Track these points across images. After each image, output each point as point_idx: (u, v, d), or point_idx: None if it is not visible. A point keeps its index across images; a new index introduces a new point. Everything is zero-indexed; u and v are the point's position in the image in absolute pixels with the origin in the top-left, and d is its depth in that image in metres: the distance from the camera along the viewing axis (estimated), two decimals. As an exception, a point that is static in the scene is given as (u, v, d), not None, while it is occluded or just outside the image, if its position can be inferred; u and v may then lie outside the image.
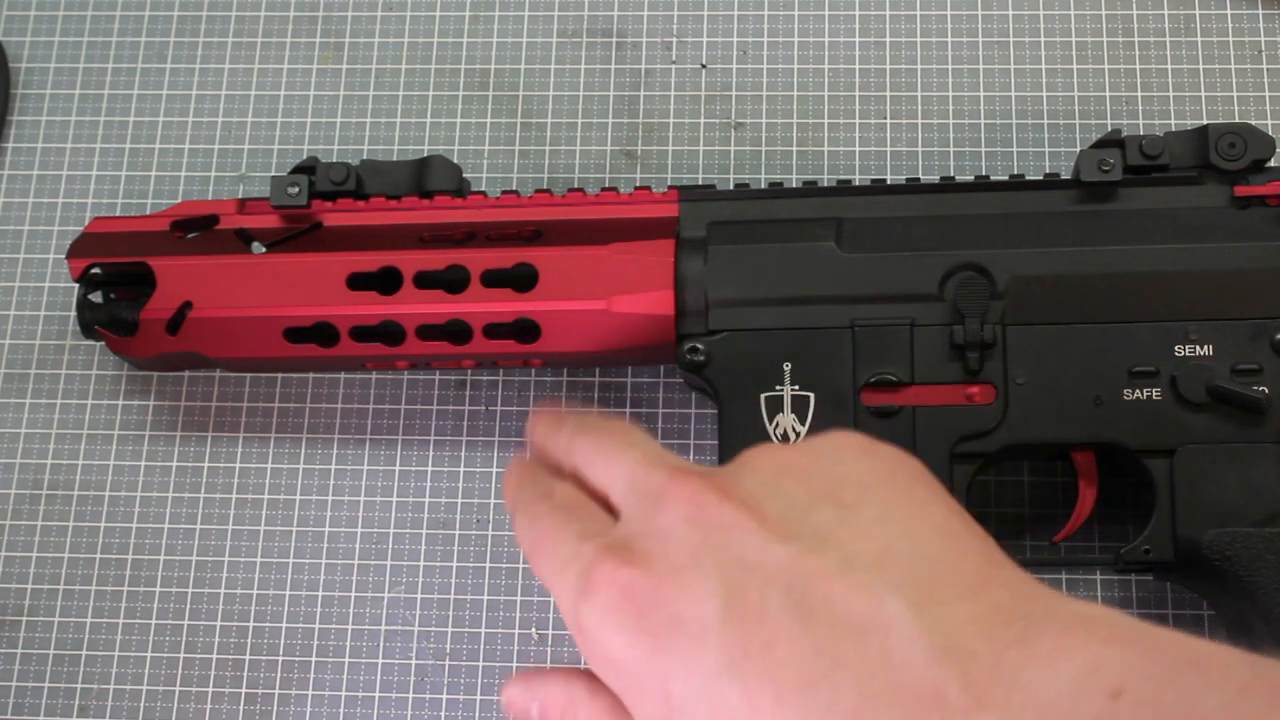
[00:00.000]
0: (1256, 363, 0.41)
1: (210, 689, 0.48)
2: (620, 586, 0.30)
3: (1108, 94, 0.52)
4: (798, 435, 0.42)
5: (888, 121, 0.52)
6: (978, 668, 0.26)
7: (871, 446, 0.32)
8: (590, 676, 0.32)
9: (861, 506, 0.30)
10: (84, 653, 0.48)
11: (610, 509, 0.34)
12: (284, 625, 0.48)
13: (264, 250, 0.47)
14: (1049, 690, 0.25)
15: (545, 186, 0.52)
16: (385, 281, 0.45)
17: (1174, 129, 0.50)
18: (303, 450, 0.50)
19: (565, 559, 0.32)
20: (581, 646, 0.31)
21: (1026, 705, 0.25)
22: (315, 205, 0.47)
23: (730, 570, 0.29)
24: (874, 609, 0.27)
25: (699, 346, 0.43)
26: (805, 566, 0.29)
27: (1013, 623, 0.27)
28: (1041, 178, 0.44)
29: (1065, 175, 0.45)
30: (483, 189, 0.52)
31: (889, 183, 0.45)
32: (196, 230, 0.47)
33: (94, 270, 0.47)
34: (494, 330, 0.45)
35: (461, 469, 0.49)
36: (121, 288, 0.48)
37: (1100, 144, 0.44)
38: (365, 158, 0.52)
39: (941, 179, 0.45)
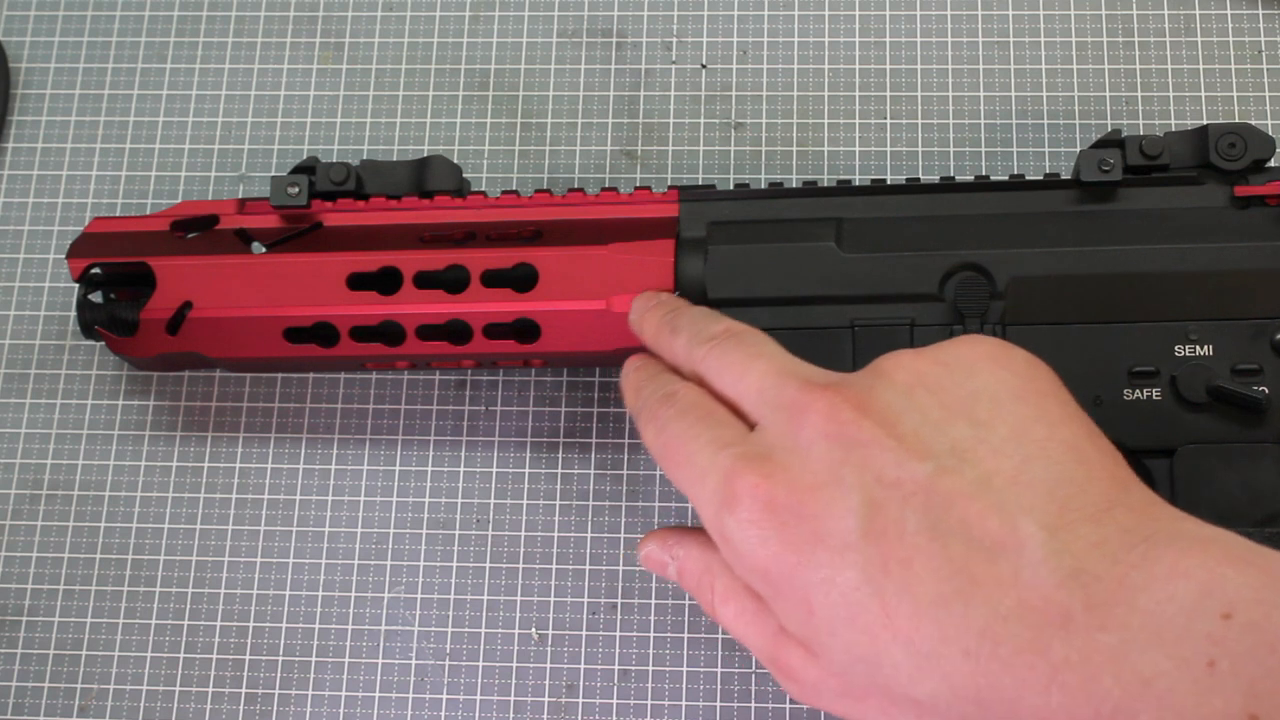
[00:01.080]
0: (1256, 363, 0.41)
1: (210, 689, 0.48)
2: (763, 500, 0.31)
3: (1108, 94, 0.52)
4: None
5: (888, 121, 0.52)
6: (1101, 590, 0.27)
7: (1003, 356, 0.32)
8: None
9: (995, 424, 0.31)
10: (84, 653, 0.48)
11: (740, 415, 0.34)
12: (284, 625, 0.48)
13: (264, 250, 0.47)
14: (1165, 611, 0.26)
15: (545, 186, 0.52)
16: (385, 281, 0.45)
17: (1174, 129, 0.50)
18: (303, 450, 0.50)
19: (702, 468, 0.32)
20: (725, 553, 0.32)
21: (1144, 626, 0.26)
22: (315, 205, 0.47)
23: (869, 487, 0.30)
24: (1007, 531, 0.29)
25: (699, 346, 0.43)
26: (942, 485, 0.30)
27: (1135, 545, 0.28)
28: (1041, 178, 0.44)
29: (1065, 175, 0.45)
30: (483, 189, 0.52)
31: (889, 183, 0.45)
32: (196, 230, 0.47)
33: (94, 270, 0.47)
34: (494, 330, 0.45)
35: (461, 469, 0.49)
36: (121, 288, 0.48)
37: (1100, 144, 0.44)
38: (365, 158, 0.52)
39: (941, 179, 0.45)
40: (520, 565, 0.48)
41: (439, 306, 0.45)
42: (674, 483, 0.34)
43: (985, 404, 0.31)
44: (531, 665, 0.47)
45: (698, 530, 0.36)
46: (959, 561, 0.29)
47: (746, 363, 0.34)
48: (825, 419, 0.31)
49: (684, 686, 0.47)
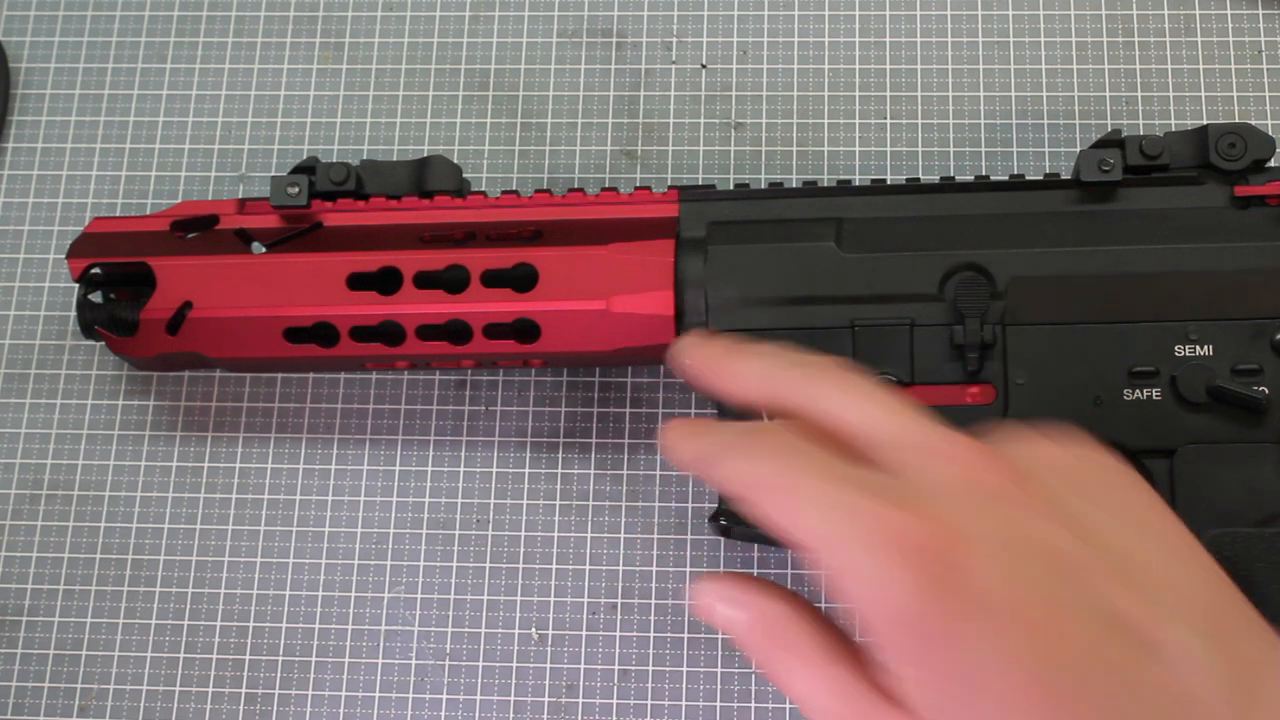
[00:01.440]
0: (1256, 363, 0.41)
1: (210, 689, 0.48)
2: (914, 541, 0.28)
3: (1108, 94, 0.52)
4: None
5: (888, 121, 0.52)
6: (1261, 715, 0.27)
7: (1115, 463, 0.33)
8: (807, 603, 0.31)
9: (1130, 521, 0.31)
10: (84, 653, 0.48)
11: (848, 452, 0.31)
12: (284, 625, 0.48)
13: (264, 250, 0.47)
14: None
15: (545, 186, 0.52)
16: (385, 281, 0.45)
17: (1174, 129, 0.50)
18: (303, 450, 0.50)
19: (826, 506, 0.29)
20: (854, 596, 0.29)
21: None
22: (315, 205, 0.47)
23: (1014, 542, 0.29)
24: (1162, 631, 0.28)
25: (699, 347, 0.43)
26: (1083, 558, 0.29)
27: (1269, 652, 0.28)
28: (1041, 178, 0.44)
29: (1065, 175, 0.45)
30: (483, 189, 0.52)
31: (889, 183, 0.45)
32: (196, 230, 0.47)
33: (94, 270, 0.47)
34: (494, 330, 0.45)
35: (461, 469, 0.49)
36: (121, 288, 0.48)
37: (1100, 144, 0.44)
38: (365, 158, 0.52)
39: (941, 179, 0.45)
40: (520, 565, 0.48)
41: (439, 306, 0.45)
42: (772, 517, 0.30)
43: (1117, 499, 0.31)
44: (531, 665, 0.47)
45: (766, 581, 0.33)
46: (1115, 653, 0.27)
47: (863, 395, 0.32)
48: (962, 465, 0.30)
49: (684, 686, 0.47)
